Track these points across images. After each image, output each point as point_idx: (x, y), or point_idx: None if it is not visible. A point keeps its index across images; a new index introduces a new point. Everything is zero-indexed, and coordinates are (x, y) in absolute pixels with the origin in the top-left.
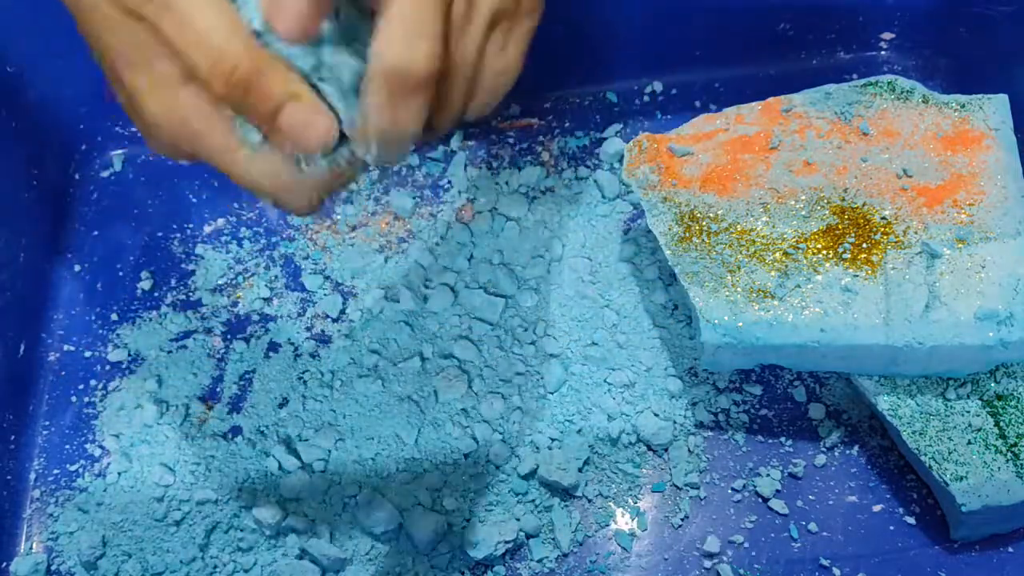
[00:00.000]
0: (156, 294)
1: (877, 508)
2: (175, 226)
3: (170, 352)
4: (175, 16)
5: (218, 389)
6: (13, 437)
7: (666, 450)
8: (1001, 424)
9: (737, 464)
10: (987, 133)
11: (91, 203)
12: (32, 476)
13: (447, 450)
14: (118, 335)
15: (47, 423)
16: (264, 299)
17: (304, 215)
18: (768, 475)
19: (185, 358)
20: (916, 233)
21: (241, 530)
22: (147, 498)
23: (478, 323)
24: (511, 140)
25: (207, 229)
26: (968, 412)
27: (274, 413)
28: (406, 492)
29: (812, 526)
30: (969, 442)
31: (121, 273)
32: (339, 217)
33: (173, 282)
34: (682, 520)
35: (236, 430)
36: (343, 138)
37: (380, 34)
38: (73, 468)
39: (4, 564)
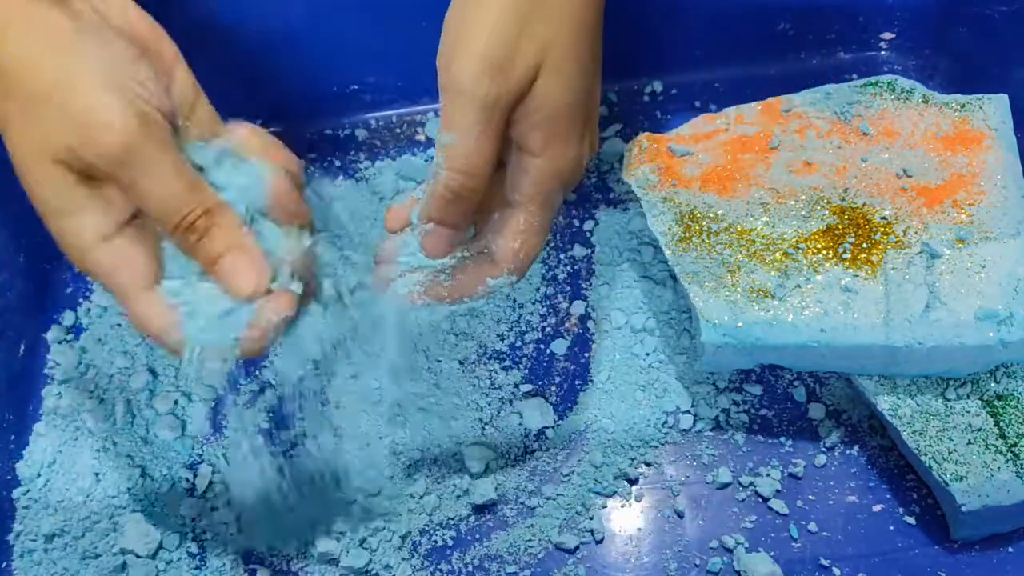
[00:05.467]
0: None
1: (877, 508)
2: None
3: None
4: (143, 177)
5: (225, 385)
6: (13, 437)
7: (666, 450)
8: (1001, 424)
9: (737, 464)
10: (987, 133)
11: None
12: None
13: (447, 449)
14: (119, 336)
15: None
16: None
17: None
18: (768, 475)
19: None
20: (916, 233)
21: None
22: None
23: (477, 321)
24: None
25: None
26: (968, 412)
27: (276, 411)
28: (398, 492)
29: (812, 526)
30: (969, 442)
31: None
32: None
33: None
34: (682, 520)
35: (244, 431)
36: None
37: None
38: None
39: (4, 564)
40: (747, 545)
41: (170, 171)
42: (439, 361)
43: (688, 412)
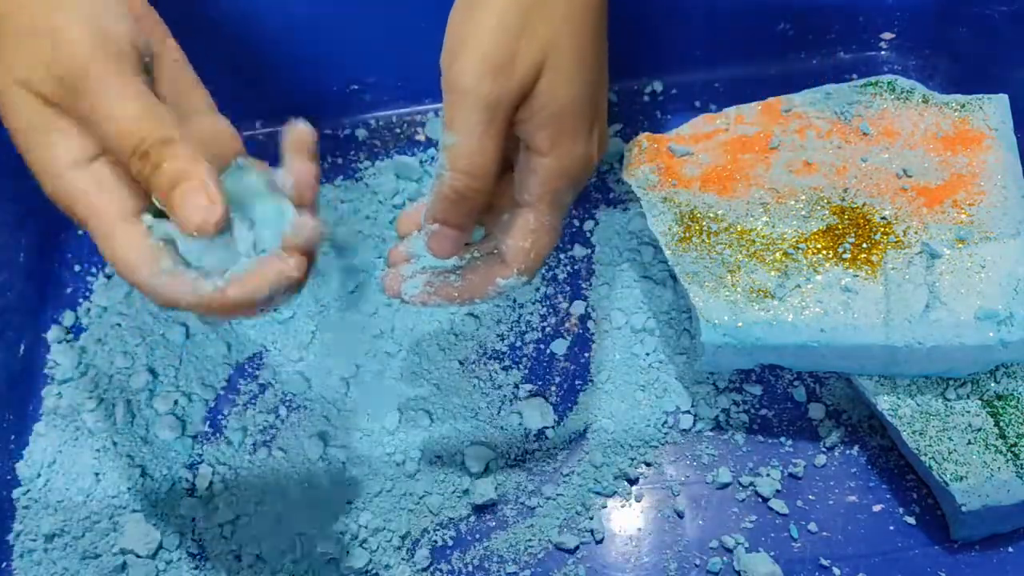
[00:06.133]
0: None
1: (877, 508)
2: None
3: (173, 352)
4: (99, 98)
5: (225, 386)
6: (13, 437)
7: (666, 450)
8: (1001, 424)
9: (737, 464)
10: (987, 133)
11: None
12: None
13: (447, 449)
14: (119, 336)
15: None
16: None
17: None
18: (768, 475)
19: (192, 358)
20: (916, 233)
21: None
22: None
23: (477, 321)
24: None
25: None
26: (968, 412)
27: (284, 408)
28: (391, 483)
29: (812, 526)
30: (969, 442)
31: None
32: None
33: None
34: (682, 520)
35: (244, 430)
36: None
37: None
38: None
39: (4, 564)
40: (747, 545)
41: (129, 93)
42: (439, 361)
43: (688, 412)
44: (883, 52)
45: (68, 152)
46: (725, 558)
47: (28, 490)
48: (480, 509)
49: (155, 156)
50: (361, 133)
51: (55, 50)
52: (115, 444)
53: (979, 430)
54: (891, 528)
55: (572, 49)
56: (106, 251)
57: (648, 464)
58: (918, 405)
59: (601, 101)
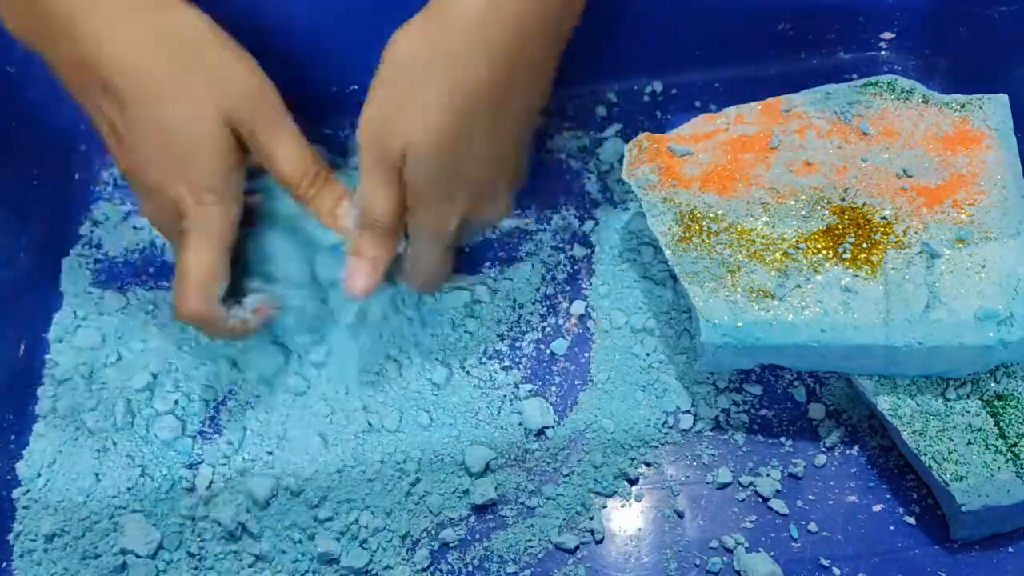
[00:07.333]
0: (155, 295)
1: (877, 508)
2: None
3: (172, 351)
4: (290, 128)
5: (220, 387)
6: (13, 437)
7: (666, 450)
8: (1001, 424)
9: (737, 464)
10: (987, 133)
11: (91, 203)
12: None
13: (447, 449)
14: (118, 337)
15: None
16: None
17: (187, 318)
18: (768, 475)
19: (188, 359)
20: (916, 233)
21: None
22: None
23: (478, 321)
24: None
25: None
26: (968, 412)
27: (284, 408)
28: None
29: (812, 526)
30: (969, 442)
31: (121, 273)
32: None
33: (171, 283)
34: (682, 520)
35: (244, 430)
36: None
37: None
38: None
39: (4, 564)
40: (747, 545)
41: (295, 130)
42: (439, 361)
43: (688, 412)
44: (883, 52)
45: (227, 188)
46: (725, 558)
47: (28, 490)
48: (480, 509)
49: (324, 178)
50: None
51: (258, 89)
52: (115, 444)
53: (979, 430)
54: (891, 528)
55: (435, 136)
56: (194, 261)
57: (648, 464)
58: (918, 405)
59: (476, 173)
